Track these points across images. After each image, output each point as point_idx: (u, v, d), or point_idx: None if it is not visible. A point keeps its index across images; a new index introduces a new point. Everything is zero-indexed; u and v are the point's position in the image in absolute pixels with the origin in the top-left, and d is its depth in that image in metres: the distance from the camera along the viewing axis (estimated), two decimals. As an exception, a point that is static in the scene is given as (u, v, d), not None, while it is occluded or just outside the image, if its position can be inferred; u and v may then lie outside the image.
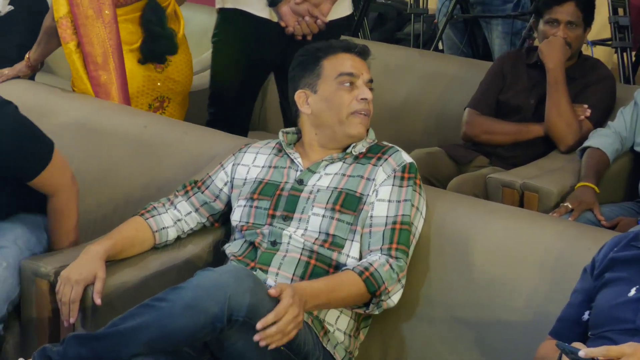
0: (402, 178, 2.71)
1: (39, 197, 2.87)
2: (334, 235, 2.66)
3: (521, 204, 3.32)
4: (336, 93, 2.76)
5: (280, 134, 2.86)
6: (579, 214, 3.17)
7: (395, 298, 2.61)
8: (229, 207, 2.87)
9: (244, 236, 2.74)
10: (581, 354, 1.98)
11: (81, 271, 2.62)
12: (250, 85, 3.87)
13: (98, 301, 2.61)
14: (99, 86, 3.55)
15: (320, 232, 2.67)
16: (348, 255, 2.67)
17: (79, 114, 2.91)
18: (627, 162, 3.55)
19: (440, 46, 5.37)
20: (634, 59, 4.92)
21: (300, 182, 2.76)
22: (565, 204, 3.20)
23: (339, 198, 2.69)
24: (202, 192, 2.89)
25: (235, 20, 3.72)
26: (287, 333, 2.36)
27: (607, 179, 3.42)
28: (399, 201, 2.68)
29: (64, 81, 4.37)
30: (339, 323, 2.64)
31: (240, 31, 3.72)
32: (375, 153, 2.78)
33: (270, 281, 2.62)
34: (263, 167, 2.84)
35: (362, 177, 2.73)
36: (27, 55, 3.78)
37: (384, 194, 2.69)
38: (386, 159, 2.75)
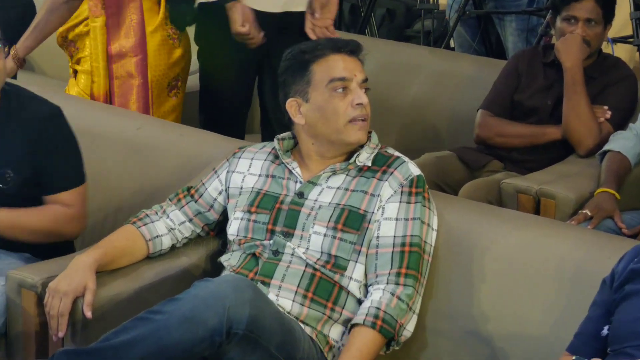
0: (410, 194, 2.65)
1: None
2: (336, 257, 2.62)
3: (537, 212, 3.28)
4: (329, 101, 2.67)
5: (275, 141, 2.80)
6: (598, 221, 3.12)
7: (410, 327, 2.58)
8: (224, 217, 2.81)
9: (243, 250, 2.70)
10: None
11: (70, 282, 2.57)
12: (242, 86, 3.84)
13: (88, 314, 2.56)
14: (119, 56, 3.69)
15: (322, 253, 2.63)
16: (351, 278, 2.62)
17: (68, 115, 2.94)
18: (650, 167, 3.56)
19: (451, 44, 5.37)
20: (656, 57, 4.94)
21: (300, 195, 2.70)
22: (584, 211, 3.15)
23: (341, 216, 2.64)
24: (196, 202, 2.83)
25: (219, 15, 3.66)
26: None
27: (628, 185, 3.36)
28: (407, 219, 2.63)
29: (54, 81, 4.44)
30: (344, 339, 2.60)
31: (224, 27, 3.66)
32: (381, 166, 2.70)
33: (272, 295, 2.58)
34: (260, 175, 2.77)
35: (365, 192, 2.66)
36: (12, 52, 3.77)
37: (391, 212, 2.63)
38: (392, 173, 2.68)
